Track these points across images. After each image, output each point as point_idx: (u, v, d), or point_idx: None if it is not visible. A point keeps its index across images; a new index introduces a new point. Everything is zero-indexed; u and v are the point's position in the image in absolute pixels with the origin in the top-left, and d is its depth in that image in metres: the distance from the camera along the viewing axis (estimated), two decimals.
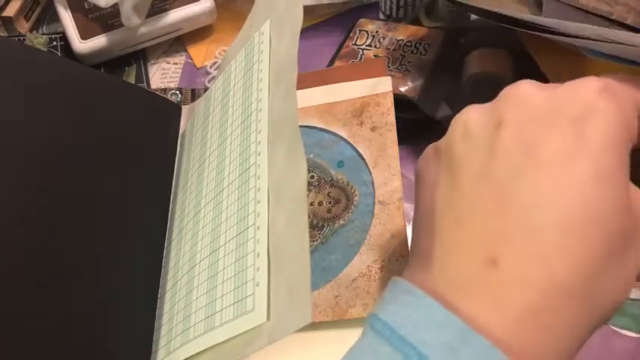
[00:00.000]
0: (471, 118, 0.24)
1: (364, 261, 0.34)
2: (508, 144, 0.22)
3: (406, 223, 0.35)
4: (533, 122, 0.22)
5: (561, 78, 0.24)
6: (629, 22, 0.30)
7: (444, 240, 0.23)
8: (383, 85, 0.41)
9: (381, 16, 0.51)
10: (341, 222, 0.37)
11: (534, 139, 0.22)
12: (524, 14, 0.31)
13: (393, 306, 0.22)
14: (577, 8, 0.31)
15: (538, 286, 0.20)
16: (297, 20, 0.33)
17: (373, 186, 0.37)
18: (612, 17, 0.30)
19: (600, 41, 0.27)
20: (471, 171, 0.23)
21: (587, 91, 0.22)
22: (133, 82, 0.52)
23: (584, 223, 0.20)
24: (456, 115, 0.25)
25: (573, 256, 0.20)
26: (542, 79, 0.37)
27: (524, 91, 0.23)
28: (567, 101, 0.22)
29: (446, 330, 0.20)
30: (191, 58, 0.54)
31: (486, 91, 0.40)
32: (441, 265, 0.22)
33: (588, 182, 0.21)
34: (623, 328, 0.33)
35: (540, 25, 0.29)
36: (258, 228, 0.30)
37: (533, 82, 0.24)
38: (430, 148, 0.26)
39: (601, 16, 0.31)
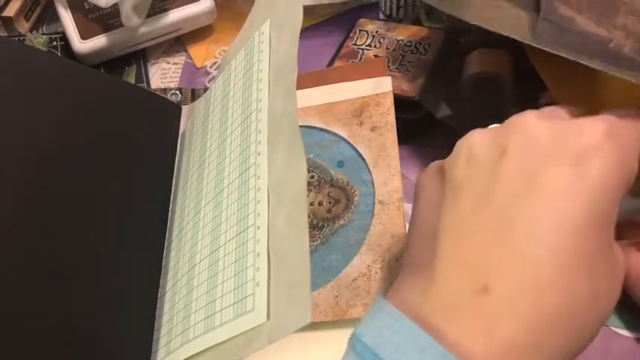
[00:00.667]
0: (476, 142, 0.25)
1: (364, 261, 0.34)
2: (511, 172, 0.23)
3: (406, 223, 0.35)
4: (537, 154, 0.23)
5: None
6: (626, 50, 0.29)
7: (438, 262, 0.23)
8: (383, 85, 0.41)
9: (381, 16, 0.51)
10: (341, 222, 0.37)
11: (537, 170, 0.22)
12: (523, 37, 0.31)
13: (374, 327, 0.22)
14: (573, 30, 0.31)
15: (527, 320, 0.20)
16: (297, 20, 0.33)
17: (373, 186, 0.37)
18: (610, 45, 0.30)
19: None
20: (472, 194, 0.23)
21: (594, 131, 0.22)
22: (133, 82, 0.52)
23: (576, 264, 0.21)
24: (461, 138, 0.26)
25: (564, 294, 0.21)
26: (542, 80, 0.37)
27: (531, 123, 0.24)
28: (573, 138, 0.23)
29: (427, 356, 0.20)
30: (191, 58, 0.54)
31: (486, 91, 0.41)
32: (431, 288, 0.22)
33: (584, 225, 0.21)
34: (622, 328, 0.33)
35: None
36: (258, 228, 0.30)
37: (541, 112, 0.25)
38: (433, 166, 0.27)
39: (599, 42, 0.30)
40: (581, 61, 0.28)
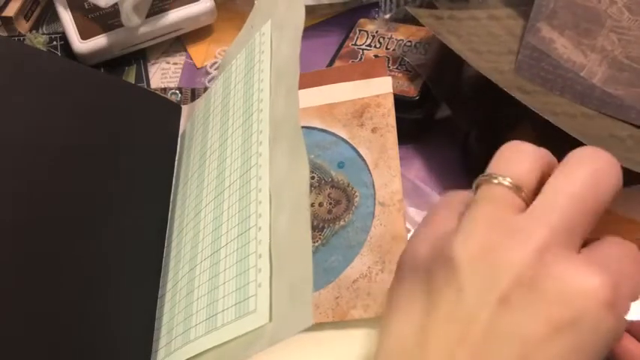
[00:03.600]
0: (470, 272, 0.22)
1: (365, 262, 0.34)
2: (502, 327, 0.21)
3: (407, 225, 0.36)
4: (532, 305, 0.21)
5: None
6: (596, 79, 0.29)
7: None
8: (383, 86, 0.41)
9: (381, 15, 0.51)
10: (341, 223, 0.37)
11: (525, 324, 0.20)
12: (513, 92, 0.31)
13: None
14: (551, 56, 0.31)
15: None
16: (299, 21, 0.33)
17: (374, 187, 0.37)
18: (582, 74, 0.30)
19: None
20: (446, 335, 0.21)
21: (594, 298, 0.20)
22: (133, 82, 0.52)
23: None
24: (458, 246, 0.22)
25: None
26: None
27: (533, 259, 0.21)
28: (573, 294, 0.20)
29: None
30: (191, 58, 0.54)
31: (486, 91, 0.41)
32: None
33: None
34: None
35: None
36: (260, 229, 0.30)
37: (553, 249, 0.21)
38: (429, 246, 0.24)
39: (571, 70, 0.30)
40: (553, 93, 0.28)
